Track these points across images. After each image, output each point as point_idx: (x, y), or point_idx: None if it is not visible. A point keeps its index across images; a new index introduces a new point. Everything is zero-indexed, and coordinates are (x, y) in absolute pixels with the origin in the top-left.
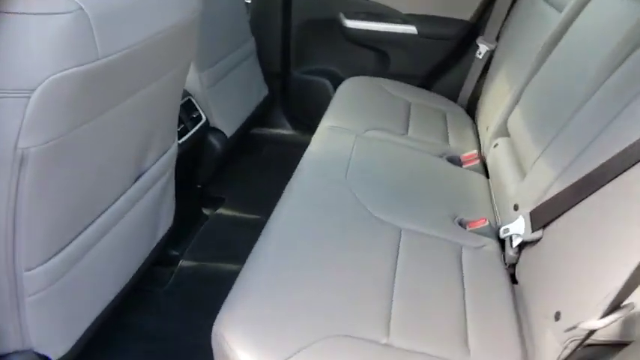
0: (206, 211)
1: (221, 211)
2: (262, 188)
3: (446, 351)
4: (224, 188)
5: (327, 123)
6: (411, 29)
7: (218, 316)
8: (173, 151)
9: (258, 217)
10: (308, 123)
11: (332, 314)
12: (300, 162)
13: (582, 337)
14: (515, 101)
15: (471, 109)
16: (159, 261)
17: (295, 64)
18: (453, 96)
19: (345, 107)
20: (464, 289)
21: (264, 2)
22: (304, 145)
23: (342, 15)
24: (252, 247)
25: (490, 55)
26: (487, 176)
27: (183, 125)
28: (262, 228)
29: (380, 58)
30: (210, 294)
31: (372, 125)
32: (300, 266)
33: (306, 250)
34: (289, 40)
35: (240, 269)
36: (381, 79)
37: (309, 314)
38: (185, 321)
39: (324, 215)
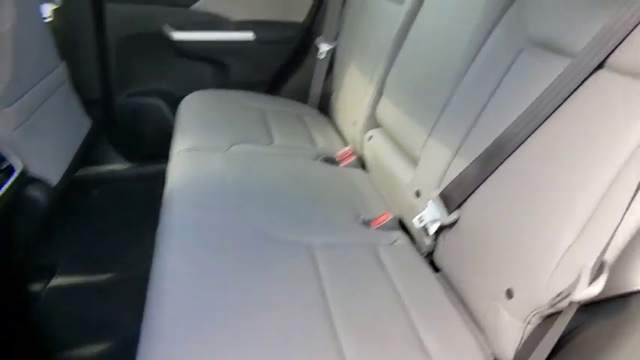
0: (36, 287)
1: (56, 282)
2: (104, 240)
3: None
4: (54, 252)
5: (181, 146)
6: (247, 36)
7: None
8: None
9: (108, 275)
10: (144, 152)
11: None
12: (165, 196)
13: (548, 308)
14: (379, 93)
15: (324, 108)
16: None
17: (119, 88)
18: (302, 98)
19: (197, 125)
20: (397, 291)
21: (70, 20)
22: (145, 179)
23: (167, 27)
24: (114, 316)
25: (332, 54)
26: (365, 170)
27: None
28: (117, 287)
29: (218, 69)
30: None
31: (234, 140)
32: (216, 321)
33: (215, 299)
34: (107, 61)
35: (107, 348)
36: (225, 90)
37: None
38: None
39: (222, 251)
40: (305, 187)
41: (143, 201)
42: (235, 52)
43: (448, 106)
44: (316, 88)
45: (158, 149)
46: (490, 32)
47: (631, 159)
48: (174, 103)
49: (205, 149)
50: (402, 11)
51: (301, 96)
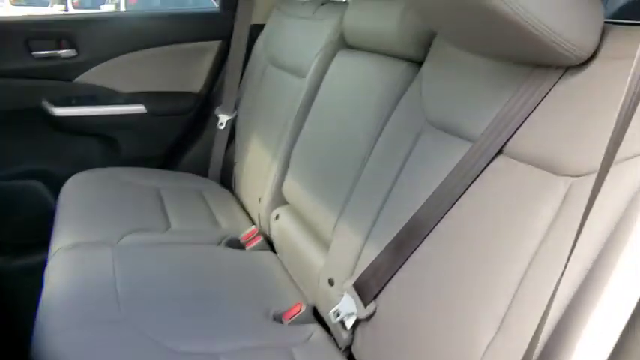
0: None
1: None
2: None
3: None
4: None
5: (62, 241)
6: (138, 108)
7: None
8: None
9: None
10: (19, 243)
11: None
12: (41, 305)
13: None
14: (285, 168)
15: (226, 182)
16: None
17: None
18: (201, 171)
19: (81, 213)
20: None
21: None
22: (20, 275)
23: (47, 102)
24: None
25: (233, 124)
26: (274, 251)
27: None
28: None
29: (107, 145)
30: None
31: (125, 229)
32: None
33: None
34: None
35: None
36: (114, 168)
37: None
38: None
39: None
40: (208, 282)
41: (16, 301)
42: (125, 127)
43: (356, 187)
44: (217, 160)
45: (38, 238)
46: (390, 114)
47: (545, 244)
48: (56, 185)
49: (91, 244)
50: (303, 85)
51: (201, 169)
